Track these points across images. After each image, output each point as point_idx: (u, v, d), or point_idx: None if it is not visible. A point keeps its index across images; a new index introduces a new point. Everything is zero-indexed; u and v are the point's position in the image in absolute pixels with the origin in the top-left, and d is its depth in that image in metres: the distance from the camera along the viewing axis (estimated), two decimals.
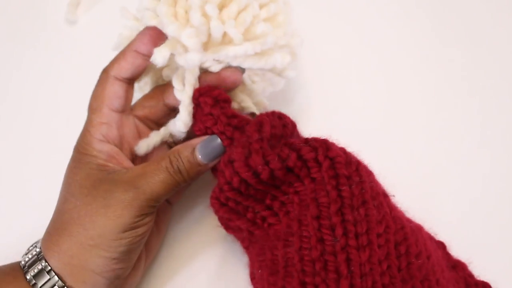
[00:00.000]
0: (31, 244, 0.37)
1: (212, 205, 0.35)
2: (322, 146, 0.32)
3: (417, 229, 0.33)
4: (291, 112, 0.45)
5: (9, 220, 0.44)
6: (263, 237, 0.34)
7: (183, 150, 0.35)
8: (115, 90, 0.36)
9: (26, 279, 0.34)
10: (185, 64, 0.34)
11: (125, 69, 0.37)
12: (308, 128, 0.44)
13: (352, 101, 0.47)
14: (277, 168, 0.32)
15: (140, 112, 0.39)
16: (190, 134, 0.37)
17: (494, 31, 0.50)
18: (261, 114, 0.35)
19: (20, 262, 0.35)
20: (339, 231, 0.30)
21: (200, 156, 0.34)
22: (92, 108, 0.37)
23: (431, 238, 0.37)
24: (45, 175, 0.44)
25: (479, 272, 0.38)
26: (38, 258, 0.34)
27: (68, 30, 0.51)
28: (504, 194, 0.43)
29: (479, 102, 0.47)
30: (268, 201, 0.34)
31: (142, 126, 0.39)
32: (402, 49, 0.49)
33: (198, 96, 0.36)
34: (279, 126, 0.34)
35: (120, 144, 0.37)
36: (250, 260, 0.36)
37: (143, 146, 0.37)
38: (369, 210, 0.31)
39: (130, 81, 0.37)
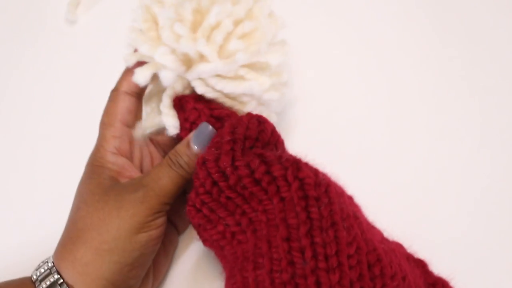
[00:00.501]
0: (42, 260, 0.37)
1: (188, 212, 0.35)
2: (293, 166, 0.32)
3: (391, 250, 0.33)
4: (285, 116, 0.45)
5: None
6: (232, 255, 0.34)
7: (179, 146, 0.36)
8: (126, 105, 0.38)
9: None
10: (163, 81, 0.35)
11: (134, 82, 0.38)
12: (304, 131, 0.45)
13: (351, 102, 0.47)
14: (244, 175, 0.32)
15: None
16: None
17: (494, 31, 0.49)
18: (241, 116, 0.35)
19: (32, 276, 0.35)
20: (308, 253, 0.30)
21: (195, 146, 0.35)
22: (105, 123, 0.38)
23: (409, 257, 0.37)
24: (45, 177, 0.45)
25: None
26: (51, 271, 0.35)
27: (68, 30, 0.52)
28: (499, 206, 0.42)
29: (479, 102, 0.46)
30: (237, 216, 0.34)
31: (152, 147, 0.41)
32: (401, 50, 0.49)
33: (179, 100, 0.37)
34: (255, 129, 0.34)
35: (131, 159, 0.39)
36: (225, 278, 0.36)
37: (138, 130, 0.39)
38: (338, 232, 0.31)
39: (139, 96, 0.39)
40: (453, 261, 0.39)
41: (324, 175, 0.33)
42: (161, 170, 0.36)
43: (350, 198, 0.37)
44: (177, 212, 0.39)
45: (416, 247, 0.39)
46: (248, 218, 0.34)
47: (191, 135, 0.36)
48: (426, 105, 0.46)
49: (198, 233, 0.37)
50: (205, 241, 0.37)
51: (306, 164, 0.33)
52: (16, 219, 0.45)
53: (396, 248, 0.35)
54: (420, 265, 0.37)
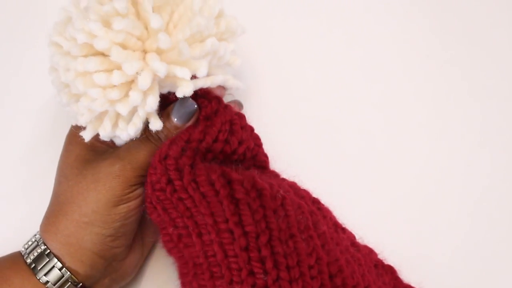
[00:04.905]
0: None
1: (147, 208, 0.36)
2: (249, 178, 0.33)
3: (356, 259, 0.34)
4: (282, 116, 0.46)
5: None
6: (180, 259, 0.35)
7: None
8: None
9: (26, 263, 0.36)
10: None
11: None
12: (302, 131, 0.45)
13: (350, 103, 0.47)
14: (200, 173, 0.33)
15: None
16: None
17: (494, 31, 0.49)
18: (215, 120, 0.35)
19: (21, 250, 0.37)
20: (269, 263, 0.31)
21: (175, 119, 0.36)
22: None
23: (377, 264, 0.38)
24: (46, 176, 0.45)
25: None
26: (38, 243, 0.36)
27: None
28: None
29: (479, 103, 0.47)
30: (185, 219, 0.35)
31: None
32: (400, 51, 0.49)
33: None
34: (222, 141, 0.35)
35: None
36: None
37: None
38: (297, 243, 0.31)
39: None
40: (454, 264, 0.42)
41: (280, 187, 0.34)
42: (139, 144, 0.36)
43: (315, 203, 0.37)
44: None
45: (414, 249, 0.41)
46: (194, 221, 0.34)
47: (171, 107, 0.36)
48: (425, 106, 0.47)
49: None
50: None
51: (261, 177, 0.34)
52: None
53: (365, 255, 0.36)
54: (389, 271, 0.38)
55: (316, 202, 0.38)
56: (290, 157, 0.43)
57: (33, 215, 0.39)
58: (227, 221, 0.33)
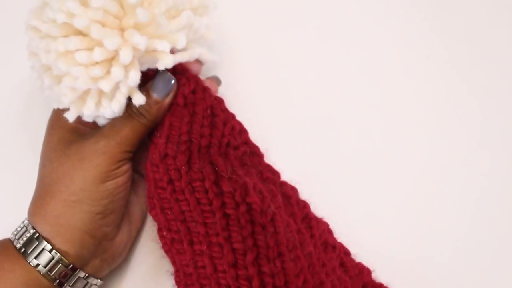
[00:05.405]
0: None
1: (148, 204, 0.37)
2: (241, 188, 0.33)
3: (341, 282, 0.34)
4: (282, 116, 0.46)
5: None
6: (173, 264, 0.35)
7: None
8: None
9: (16, 248, 0.36)
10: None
11: None
12: (300, 131, 0.45)
13: (350, 103, 0.47)
14: (196, 178, 0.33)
15: None
16: None
17: (494, 31, 0.48)
18: (197, 108, 0.36)
19: (10, 236, 0.37)
20: (256, 283, 0.31)
21: (155, 94, 0.36)
22: None
23: (366, 285, 0.37)
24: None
25: None
26: (27, 228, 0.36)
27: None
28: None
29: (479, 104, 0.46)
30: (178, 223, 0.35)
31: None
32: (400, 51, 0.48)
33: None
34: (208, 126, 0.35)
35: None
36: None
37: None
38: (285, 263, 0.31)
39: None
40: (454, 264, 0.41)
41: (272, 201, 0.34)
42: (121, 120, 0.36)
43: (306, 220, 0.37)
44: (144, 162, 0.40)
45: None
46: (186, 226, 0.34)
47: (150, 83, 0.36)
48: (425, 106, 0.46)
49: None
50: None
51: (255, 188, 0.33)
52: None
53: (353, 277, 0.36)
54: None
55: (307, 218, 0.38)
56: (287, 158, 0.43)
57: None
58: (218, 234, 0.33)
